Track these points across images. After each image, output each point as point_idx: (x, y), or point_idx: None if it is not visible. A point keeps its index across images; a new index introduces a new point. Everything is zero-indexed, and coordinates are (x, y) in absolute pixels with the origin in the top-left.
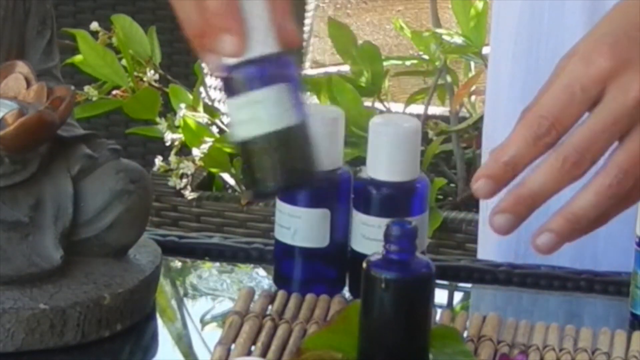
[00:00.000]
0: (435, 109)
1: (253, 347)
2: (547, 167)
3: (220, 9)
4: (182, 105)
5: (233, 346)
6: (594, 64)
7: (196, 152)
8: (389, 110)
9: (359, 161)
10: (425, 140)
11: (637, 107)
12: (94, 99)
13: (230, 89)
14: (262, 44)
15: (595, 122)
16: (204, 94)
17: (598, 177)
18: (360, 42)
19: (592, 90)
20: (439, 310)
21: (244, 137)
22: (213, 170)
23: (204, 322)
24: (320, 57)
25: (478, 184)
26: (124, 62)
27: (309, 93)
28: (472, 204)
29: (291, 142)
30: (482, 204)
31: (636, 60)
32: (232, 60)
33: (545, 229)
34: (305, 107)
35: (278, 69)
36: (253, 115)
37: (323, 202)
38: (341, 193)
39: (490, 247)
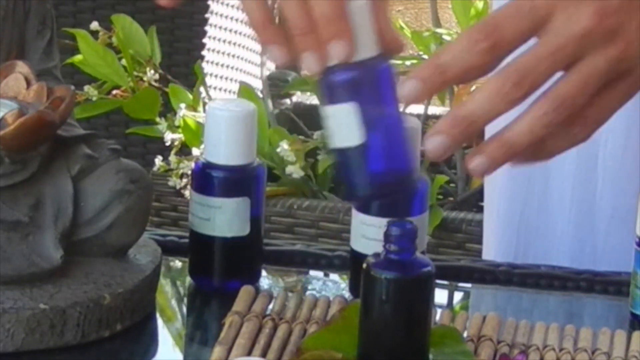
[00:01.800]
0: (435, 109)
1: (253, 348)
2: (486, 88)
3: (330, 13)
4: (182, 105)
5: (233, 346)
6: None
7: (196, 152)
8: None
9: None
10: None
11: (585, 38)
12: (94, 98)
13: (330, 94)
14: (368, 47)
15: (539, 46)
16: (204, 94)
17: (534, 105)
18: None
19: (541, 10)
20: (439, 310)
21: (339, 145)
22: None
23: (204, 322)
24: None
25: (407, 84)
26: (124, 62)
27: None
28: (472, 203)
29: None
30: (486, 203)
31: None
32: (333, 64)
33: (478, 151)
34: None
35: (379, 72)
36: (349, 124)
37: (241, 192)
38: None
39: (491, 247)
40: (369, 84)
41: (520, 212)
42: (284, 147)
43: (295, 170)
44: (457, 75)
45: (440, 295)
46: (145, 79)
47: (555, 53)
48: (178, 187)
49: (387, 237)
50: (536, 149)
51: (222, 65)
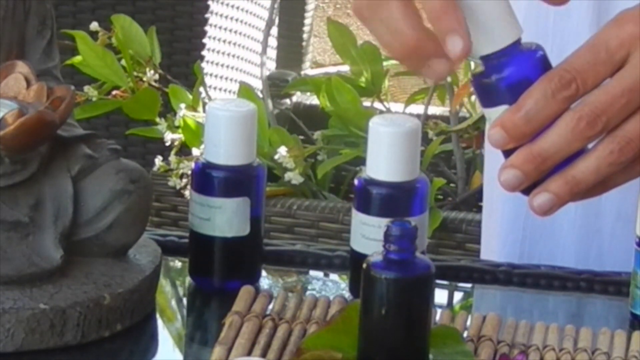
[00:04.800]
0: (435, 109)
1: (253, 348)
2: (560, 125)
3: (439, 11)
4: (182, 105)
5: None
6: (623, 28)
7: (196, 152)
8: (389, 110)
9: (359, 161)
10: (425, 140)
11: None
12: (94, 99)
13: (488, 94)
14: (508, 34)
15: (614, 85)
16: (204, 94)
17: (601, 143)
18: (360, 42)
19: (617, 53)
20: (439, 310)
21: None
22: None
23: (204, 322)
24: (320, 57)
25: (492, 132)
26: (123, 62)
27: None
28: (472, 204)
29: None
30: (485, 203)
31: None
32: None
33: (543, 189)
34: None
35: (529, 57)
36: None
37: (241, 192)
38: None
39: (494, 247)
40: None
41: (525, 213)
42: (282, 153)
43: (294, 177)
44: (539, 124)
45: (440, 295)
46: (145, 79)
47: (629, 92)
48: (178, 187)
49: (387, 237)
50: (599, 184)
51: (222, 65)
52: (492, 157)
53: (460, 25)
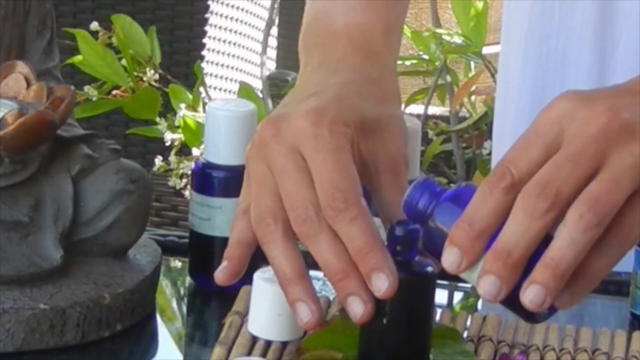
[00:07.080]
0: (435, 109)
1: (253, 348)
2: (513, 213)
3: (367, 246)
4: (182, 105)
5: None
6: (552, 108)
7: (196, 152)
8: None
9: None
10: (425, 140)
11: (603, 135)
12: (94, 99)
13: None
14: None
15: (556, 156)
16: (204, 94)
17: (569, 213)
18: None
19: (549, 132)
20: (439, 310)
21: None
22: None
23: (204, 322)
24: None
25: (445, 255)
26: (123, 62)
27: None
28: None
29: None
30: None
31: (593, 97)
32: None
33: (529, 282)
34: None
35: None
36: None
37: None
38: None
39: None
40: None
41: None
42: None
43: None
44: (490, 227)
45: (440, 295)
46: (145, 79)
47: (576, 156)
48: (178, 187)
49: (390, 237)
50: (580, 271)
51: (222, 65)
52: (499, 155)
53: (389, 261)
